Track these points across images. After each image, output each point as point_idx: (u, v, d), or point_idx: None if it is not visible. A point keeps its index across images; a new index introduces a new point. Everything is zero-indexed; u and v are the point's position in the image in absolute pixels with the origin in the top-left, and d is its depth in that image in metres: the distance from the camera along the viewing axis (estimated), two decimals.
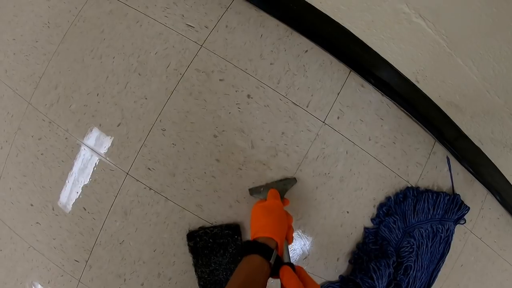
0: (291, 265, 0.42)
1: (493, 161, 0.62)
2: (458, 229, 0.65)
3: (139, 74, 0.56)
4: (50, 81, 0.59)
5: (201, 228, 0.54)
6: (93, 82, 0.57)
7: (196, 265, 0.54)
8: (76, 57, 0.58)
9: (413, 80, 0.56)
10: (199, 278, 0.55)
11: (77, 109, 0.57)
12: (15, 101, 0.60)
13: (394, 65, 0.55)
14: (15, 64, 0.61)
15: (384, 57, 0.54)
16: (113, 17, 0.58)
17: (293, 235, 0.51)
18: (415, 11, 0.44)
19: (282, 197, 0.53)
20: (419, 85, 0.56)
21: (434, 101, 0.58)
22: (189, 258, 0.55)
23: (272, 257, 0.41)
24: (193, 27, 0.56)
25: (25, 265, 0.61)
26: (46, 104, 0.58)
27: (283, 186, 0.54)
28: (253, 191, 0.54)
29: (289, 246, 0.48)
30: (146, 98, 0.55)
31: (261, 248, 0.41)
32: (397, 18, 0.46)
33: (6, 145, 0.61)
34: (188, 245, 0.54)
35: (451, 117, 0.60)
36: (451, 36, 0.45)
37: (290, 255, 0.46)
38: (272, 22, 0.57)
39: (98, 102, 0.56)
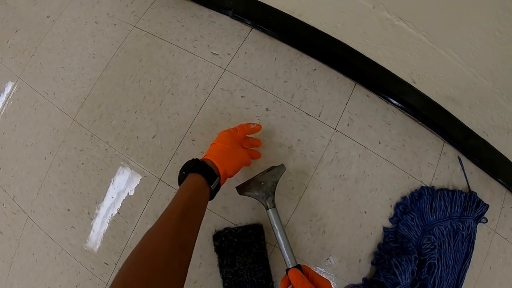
0: (298, 266, 0.47)
1: (502, 153, 0.66)
2: (482, 229, 0.70)
3: (172, 94, 0.71)
4: (94, 101, 0.75)
5: (226, 228, 0.63)
6: (132, 102, 0.72)
7: (221, 265, 0.62)
8: (118, 81, 0.74)
9: (409, 82, 0.63)
10: (224, 279, 0.62)
11: (117, 124, 0.72)
12: (61, 118, 0.76)
13: (390, 70, 0.63)
14: (63, 88, 0.78)
15: (381, 64, 0.63)
16: (150, 48, 0.76)
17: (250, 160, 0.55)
18: (395, 15, 0.53)
19: (274, 191, 0.54)
20: (416, 85, 0.63)
21: (433, 99, 0.64)
22: (214, 259, 0.63)
23: (214, 183, 0.45)
24: (217, 54, 0.73)
25: (55, 269, 0.70)
26: (89, 121, 0.74)
27: (272, 179, 0.54)
28: (242, 189, 0.55)
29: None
30: (178, 114, 0.70)
31: (207, 170, 0.46)
32: (382, 24, 0.55)
33: (50, 156, 0.75)
34: (214, 244, 0.63)
35: (451, 112, 0.64)
36: (429, 31, 0.51)
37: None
38: (283, 47, 0.73)
39: (136, 118, 0.71)
